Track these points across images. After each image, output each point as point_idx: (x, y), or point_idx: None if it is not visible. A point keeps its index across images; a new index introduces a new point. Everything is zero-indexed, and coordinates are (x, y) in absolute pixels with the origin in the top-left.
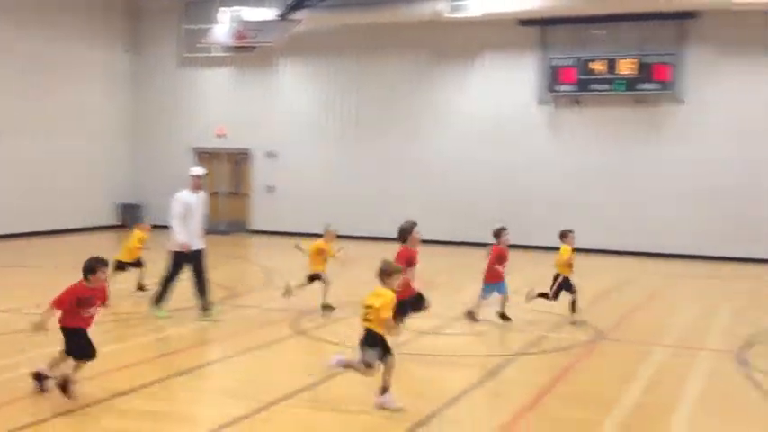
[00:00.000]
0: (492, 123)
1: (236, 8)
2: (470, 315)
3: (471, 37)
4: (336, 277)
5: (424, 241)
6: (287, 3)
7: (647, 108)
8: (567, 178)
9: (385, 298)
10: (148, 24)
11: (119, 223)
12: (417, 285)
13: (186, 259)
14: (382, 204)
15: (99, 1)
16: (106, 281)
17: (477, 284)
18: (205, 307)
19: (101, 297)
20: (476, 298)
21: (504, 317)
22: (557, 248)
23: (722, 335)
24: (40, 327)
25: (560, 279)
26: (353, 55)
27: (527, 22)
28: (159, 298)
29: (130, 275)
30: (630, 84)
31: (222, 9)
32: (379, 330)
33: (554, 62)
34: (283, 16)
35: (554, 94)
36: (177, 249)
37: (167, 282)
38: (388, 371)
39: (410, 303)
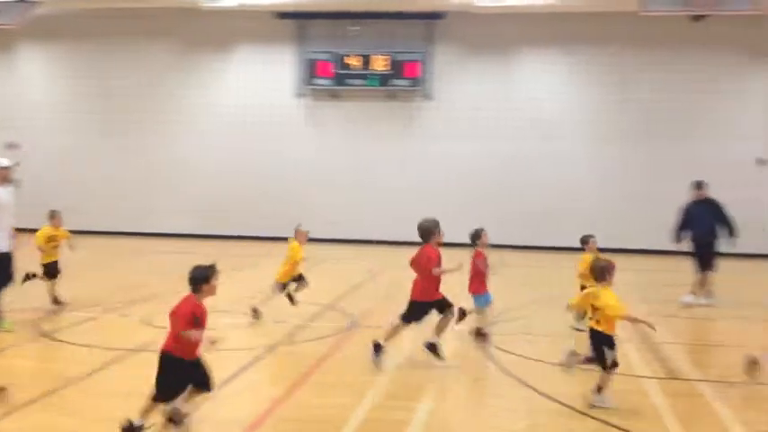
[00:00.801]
0: (249, 116)
1: None
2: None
3: (227, 28)
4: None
5: (161, 235)
6: None
7: (400, 104)
8: (323, 171)
9: (606, 297)
10: None
11: None
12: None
13: None
14: (121, 197)
15: None
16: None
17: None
18: None
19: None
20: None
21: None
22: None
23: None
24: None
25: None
26: (101, 41)
27: (285, 14)
28: None
29: None
30: (384, 79)
31: None
32: (608, 331)
33: (311, 56)
34: None
35: (312, 87)
36: None
37: None
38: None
39: (436, 305)
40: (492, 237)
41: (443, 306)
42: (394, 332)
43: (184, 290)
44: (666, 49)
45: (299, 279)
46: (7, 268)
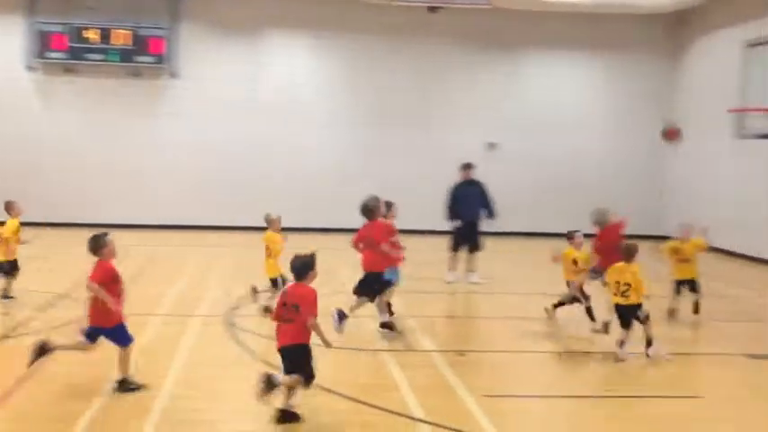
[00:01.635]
0: None
1: None
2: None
3: None
4: None
5: None
6: None
7: (145, 81)
8: (57, 151)
9: (634, 273)
10: None
11: None
12: None
13: None
14: None
15: None
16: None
17: None
18: None
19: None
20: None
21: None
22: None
23: (212, 301)
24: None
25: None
26: None
27: None
28: None
29: None
30: (126, 55)
31: None
32: (637, 301)
33: (43, 27)
34: None
35: (43, 60)
36: None
37: None
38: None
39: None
40: (244, 220)
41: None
42: (357, 306)
43: None
44: (408, 37)
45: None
46: None
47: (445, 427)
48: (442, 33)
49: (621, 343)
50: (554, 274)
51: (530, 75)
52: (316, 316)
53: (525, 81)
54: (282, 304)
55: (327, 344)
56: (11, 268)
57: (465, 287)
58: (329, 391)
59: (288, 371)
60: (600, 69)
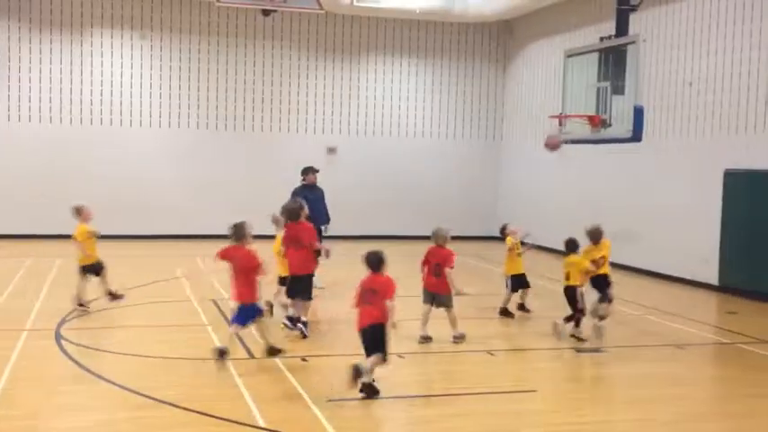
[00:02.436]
0: None
1: None
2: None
3: None
4: None
5: None
6: None
7: None
8: None
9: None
10: None
11: None
12: None
13: None
14: None
15: None
16: None
17: None
18: None
19: None
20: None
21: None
22: None
23: (42, 313)
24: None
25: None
26: None
27: None
28: None
29: None
30: None
31: None
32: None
33: None
34: None
35: None
36: None
37: None
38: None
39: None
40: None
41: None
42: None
43: None
44: (241, 40)
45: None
46: None
47: None
48: (277, 37)
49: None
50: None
51: (367, 80)
52: (392, 299)
53: (363, 86)
54: (362, 291)
55: (394, 326)
56: (98, 269)
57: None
58: (172, 405)
59: (369, 351)
60: (435, 75)
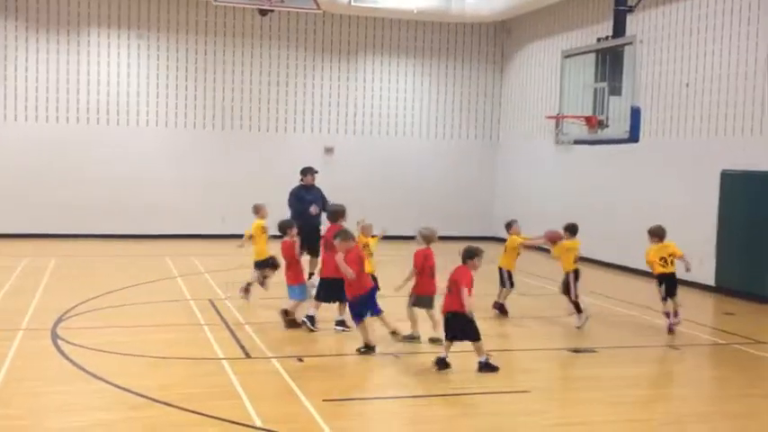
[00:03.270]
0: None
1: None
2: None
3: None
4: None
5: None
6: None
7: None
8: None
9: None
10: None
11: None
12: None
13: None
14: None
15: None
16: None
17: None
18: None
19: None
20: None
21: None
22: None
23: (39, 313)
24: None
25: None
26: None
27: None
28: None
29: None
30: None
31: None
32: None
33: None
34: None
35: None
36: None
37: None
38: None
39: None
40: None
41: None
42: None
43: None
44: (238, 40)
45: None
46: None
47: None
48: (275, 36)
49: None
50: (392, 274)
51: (364, 80)
52: (470, 290)
53: (360, 86)
54: (449, 281)
55: (471, 313)
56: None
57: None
58: (168, 404)
59: (450, 336)
60: (433, 75)
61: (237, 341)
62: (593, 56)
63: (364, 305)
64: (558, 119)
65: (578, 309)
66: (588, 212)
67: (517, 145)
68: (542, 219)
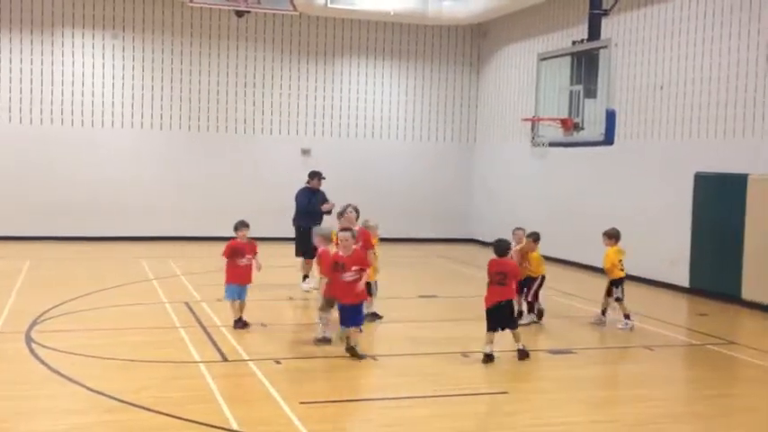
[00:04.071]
0: None
1: None
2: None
3: None
4: None
5: None
6: None
7: None
8: None
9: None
10: None
11: None
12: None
13: None
14: None
15: None
16: None
17: None
18: None
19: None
20: None
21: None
22: None
23: (12, 316)
24: None
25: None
26: None
27: None
28: None
29: None
30: None
31: None
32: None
33: None
34: None
35: None
36: None
37: None
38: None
39: None
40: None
41: None
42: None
43: None
44: (214, 41)
45: None
46: None
47: None
48: (251, 38)
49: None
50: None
51: (341, 81)
52: (518, 279)
53: (337, 87)
54: (494, 273)
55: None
56: None
57: (297, 293)
58: (144, 408)
59: (493, 326)
60: (409, 77)
61: (214, 344)
62: (568, 59)
63: (360, 314)
64: (534, 121)
65: (531, 308)
66: (563, 214)
67: (493, 147)
68: (517, 220)
